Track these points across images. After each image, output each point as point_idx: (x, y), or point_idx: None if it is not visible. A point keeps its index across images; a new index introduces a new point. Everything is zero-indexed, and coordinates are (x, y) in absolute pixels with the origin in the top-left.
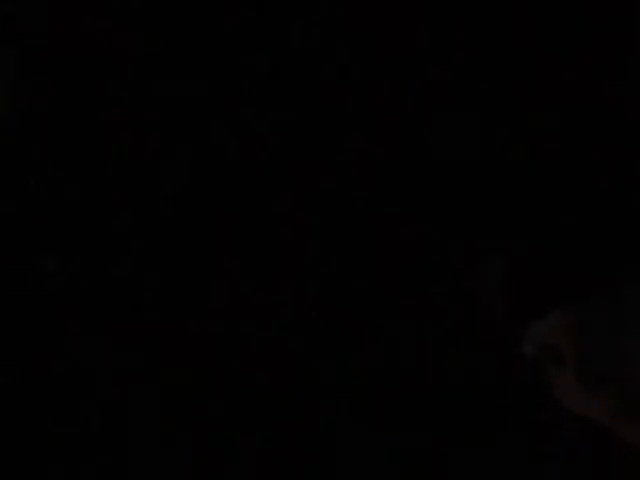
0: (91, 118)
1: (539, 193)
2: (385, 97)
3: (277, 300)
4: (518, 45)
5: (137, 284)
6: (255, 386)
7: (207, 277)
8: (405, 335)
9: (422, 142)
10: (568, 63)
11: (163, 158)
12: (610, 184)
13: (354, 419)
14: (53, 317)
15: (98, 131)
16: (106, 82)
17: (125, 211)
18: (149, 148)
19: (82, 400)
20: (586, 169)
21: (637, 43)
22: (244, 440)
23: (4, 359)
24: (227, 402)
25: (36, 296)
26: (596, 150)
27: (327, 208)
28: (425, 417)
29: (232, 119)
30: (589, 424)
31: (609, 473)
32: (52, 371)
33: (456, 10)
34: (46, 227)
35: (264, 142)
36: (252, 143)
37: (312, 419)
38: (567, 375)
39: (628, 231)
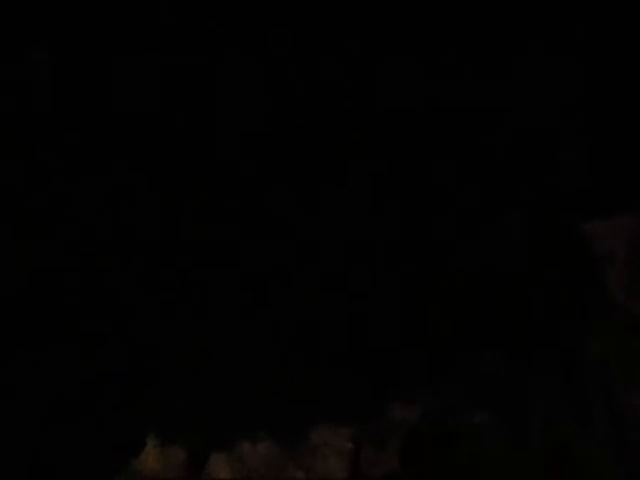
0: (93, 114)
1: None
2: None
3: None
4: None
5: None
6: None
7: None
8: None
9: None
10: None
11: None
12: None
13: None
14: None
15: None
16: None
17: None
18: (149, 148)
19: None
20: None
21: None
22: None
23: None
24: None
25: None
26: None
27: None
28: None
29: (232, 122)
30: None
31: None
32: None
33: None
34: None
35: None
36: (249, 143)
37: None
38: (618, 271)
39: None
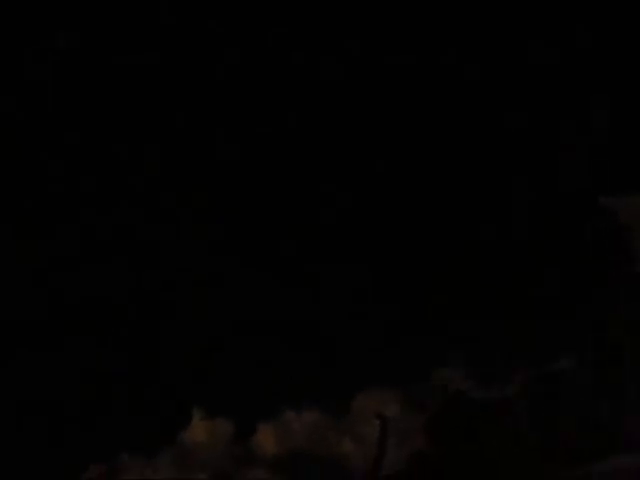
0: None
1: None
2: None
3: None
4: None
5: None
6: None
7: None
8: None
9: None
10: None
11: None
12: None
13: None
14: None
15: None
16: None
17: None
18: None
19: None
20: None
21: None
22: None
23: None
24: None
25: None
26: None
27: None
28: None
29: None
30: None
31: None
32: None
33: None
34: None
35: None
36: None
37: None
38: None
39: None
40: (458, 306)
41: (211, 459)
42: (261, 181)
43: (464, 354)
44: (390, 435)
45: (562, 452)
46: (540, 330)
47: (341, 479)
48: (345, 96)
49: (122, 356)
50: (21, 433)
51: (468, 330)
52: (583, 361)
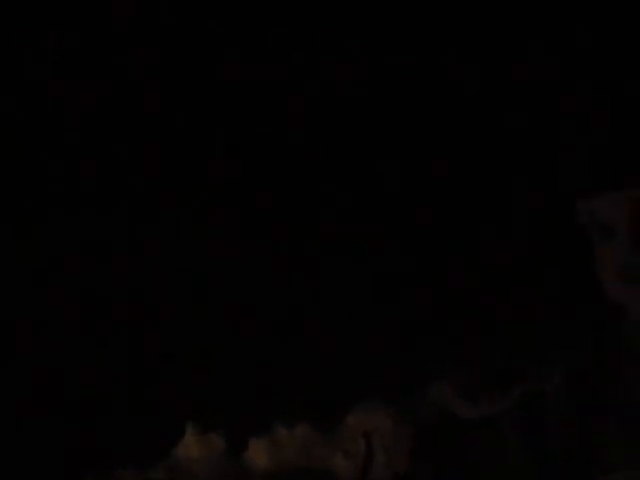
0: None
1: None
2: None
3: None
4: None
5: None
6: None
7: None
8: None
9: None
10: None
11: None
12: None
13: None
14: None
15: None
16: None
17: None
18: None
19: None
20: None
21: None
22: None
23: None
24: None
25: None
26: None
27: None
28: None
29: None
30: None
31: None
32: None
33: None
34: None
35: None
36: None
37: None
38: (614, 247)
39: None
40: (457, 308)
41: (203, 474)
42: (261, 181)
43: (457, 366)
44: (379, 453)
45: (552, 471)
46: (540, 330)
47: None
48: (345, 96)
49: (114, 368)
50: (17, 435)
51: (466, 332)
52: (580, 364)
